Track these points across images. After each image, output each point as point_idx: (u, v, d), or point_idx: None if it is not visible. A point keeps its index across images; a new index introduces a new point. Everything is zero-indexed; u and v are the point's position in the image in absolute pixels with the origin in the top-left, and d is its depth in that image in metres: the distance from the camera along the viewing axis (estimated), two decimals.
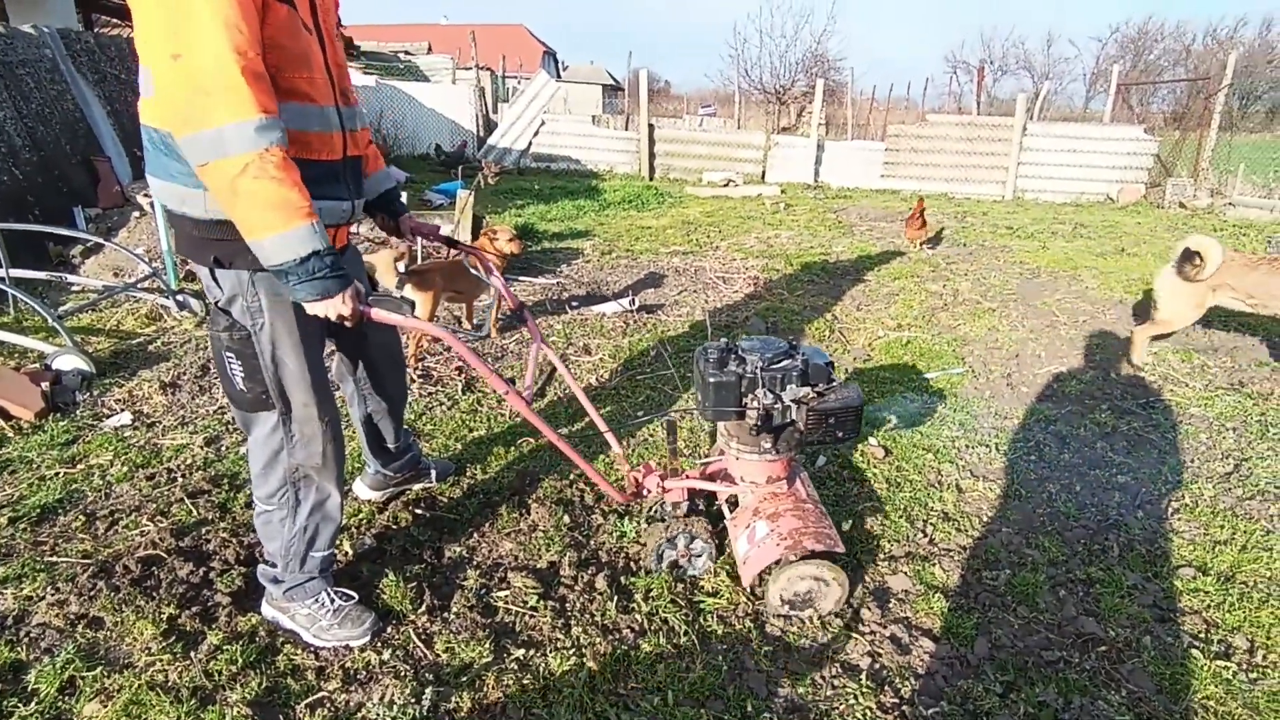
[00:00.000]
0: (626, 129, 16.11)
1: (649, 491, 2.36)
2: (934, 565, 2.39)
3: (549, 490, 2.76)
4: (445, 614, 2.11)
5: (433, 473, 2.74)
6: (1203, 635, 2.12)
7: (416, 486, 2.72)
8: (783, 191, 11.65)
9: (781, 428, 2.05)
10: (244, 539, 2.40)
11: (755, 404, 1.98)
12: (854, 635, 2.06)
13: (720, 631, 2.06)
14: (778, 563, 2.03)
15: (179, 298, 4.60)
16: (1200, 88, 11.90)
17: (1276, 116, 35.67)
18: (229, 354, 1.71)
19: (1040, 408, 3.61)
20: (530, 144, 13.34)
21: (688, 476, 2.37)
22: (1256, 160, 11.87)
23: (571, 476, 2.85)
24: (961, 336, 4.66)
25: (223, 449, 3.06)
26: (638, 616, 2.11)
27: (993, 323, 4.92)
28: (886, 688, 1.89)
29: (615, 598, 2.17)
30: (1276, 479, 2.96)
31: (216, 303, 1.70)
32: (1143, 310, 5.16)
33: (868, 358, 4.28)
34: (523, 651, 1.98)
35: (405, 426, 2.62)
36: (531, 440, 3.13)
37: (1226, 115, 11.15)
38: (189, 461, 2.94)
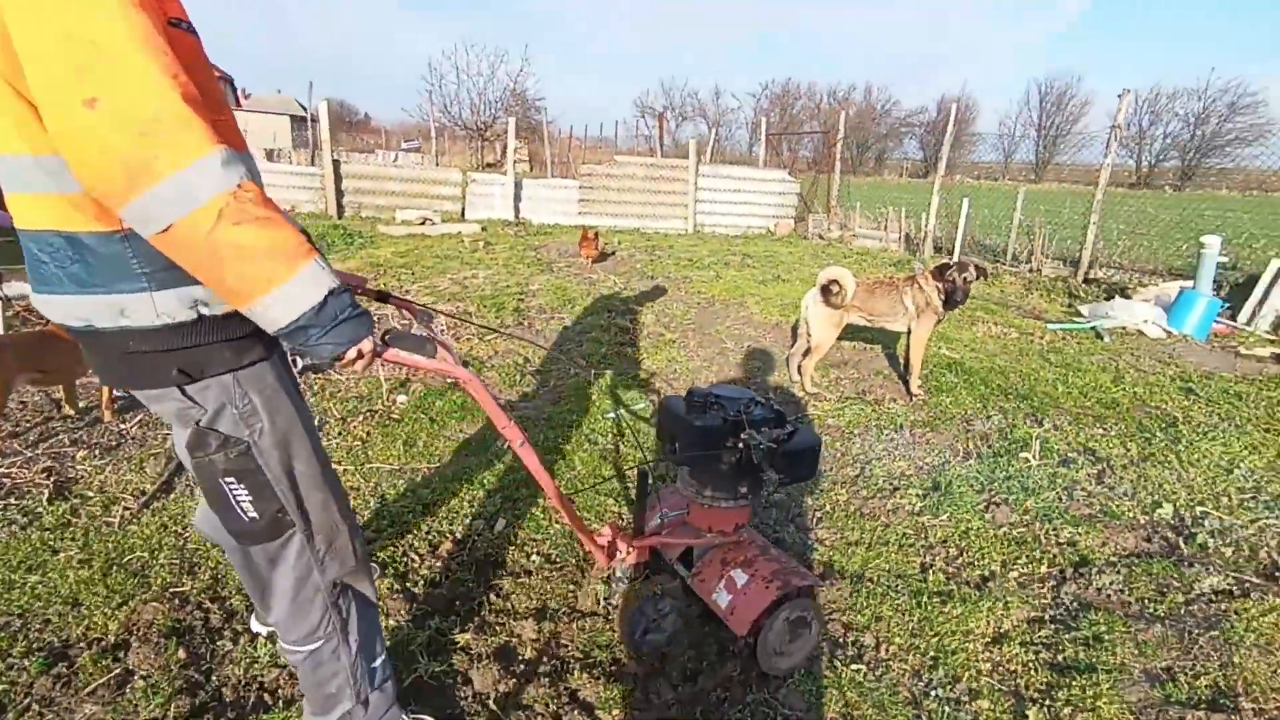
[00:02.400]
0: (313, 164, 14.82)
1: (621, 554, 2.17)
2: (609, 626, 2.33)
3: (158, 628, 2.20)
4: None
5: None
6: (841, 640, 2.32)
7: None
8: (483, 229, 11.53)
9: (756, 472, 2.03)
10: None
11: (738, 448, 1.98)
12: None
13: None
14: (776, 604, 2.02)
15: None
16: (826, 139, 14.36)
17: (883, 162, 44.78)
18: (228, 480, 1.37)
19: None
20: None
21: (651, 534, 2.24)
22: (870, 199, 14.62)
23: (191, 602, 2.31)
24: (646, 370, 4.86)
25: None
26: None
27: (673, 354, 5.23)
28: None
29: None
30: (890, 476, 3.46)
31: (198, 423, 1.35)
32: (797, 333, 5.88)
33: (557, 399, 4.25)
34: None
35: None
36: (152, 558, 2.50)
37: (846, 162, 13.58)
38: None
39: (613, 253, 9.98)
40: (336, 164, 12.29)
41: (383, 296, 2.02)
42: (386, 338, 1.40)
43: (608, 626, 2.30)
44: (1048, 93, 57.80)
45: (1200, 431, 4.08)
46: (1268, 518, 3.18)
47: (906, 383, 4.59)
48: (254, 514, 1.40)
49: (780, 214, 13.82)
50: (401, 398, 4.05)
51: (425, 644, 2.16)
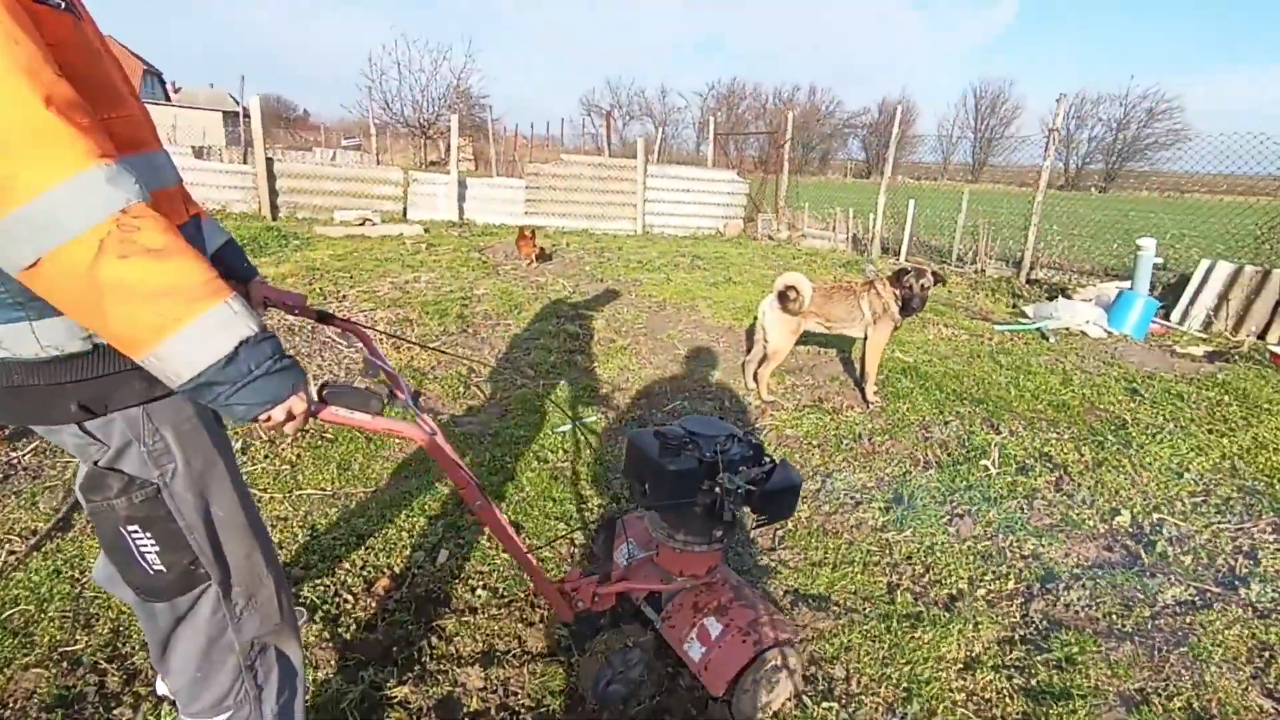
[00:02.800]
0: (245, 162, 14.15)
1: (584, 604, 2.00)
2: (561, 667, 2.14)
3: None
4: None
5: None
6: (810, 674, 2.19)
7: None
8: (426, 231, 11.14)
9: (733, 514, 1.86)
10: None
11: (715, 490, 1.81)
12: None
13: None
14: (751, 663, 1.84)
15: None
16: (773, 139, 14.41)
17: (828, 162, 45.54)
18: (131, 528, 1.19)
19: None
20: None
21: (618, 580, 2.07)
22: (816, 199, 14.72)
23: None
24: (597, 379, 4.68)
25: None
26: None
27: (625, 361, 5.06)
28: None
29: None
30: (851, 488, 3.37)
31: (96, 463, 1.17)
32: (751, 339, 5.77)
33: (504, 413, 4.03)
34: None
35: None
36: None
37: (793, 162, 13.64)
38: None
39: (554, 252, 9.78)
40: (270, 162, 11.72)
41: (324, 317, 1.82)
42: (324, 394, 1.23)
43: (561, 670, 2.11)
44: (982, 96, 59.88)
45: (1149, 434, 4.11)
46: (1220, 522, 3.19)
47: (863, 390, 4.52)
48: (160, 566, 1.22)
49: (729, 214, 13.79)
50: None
51: (358, 701, 1.94)
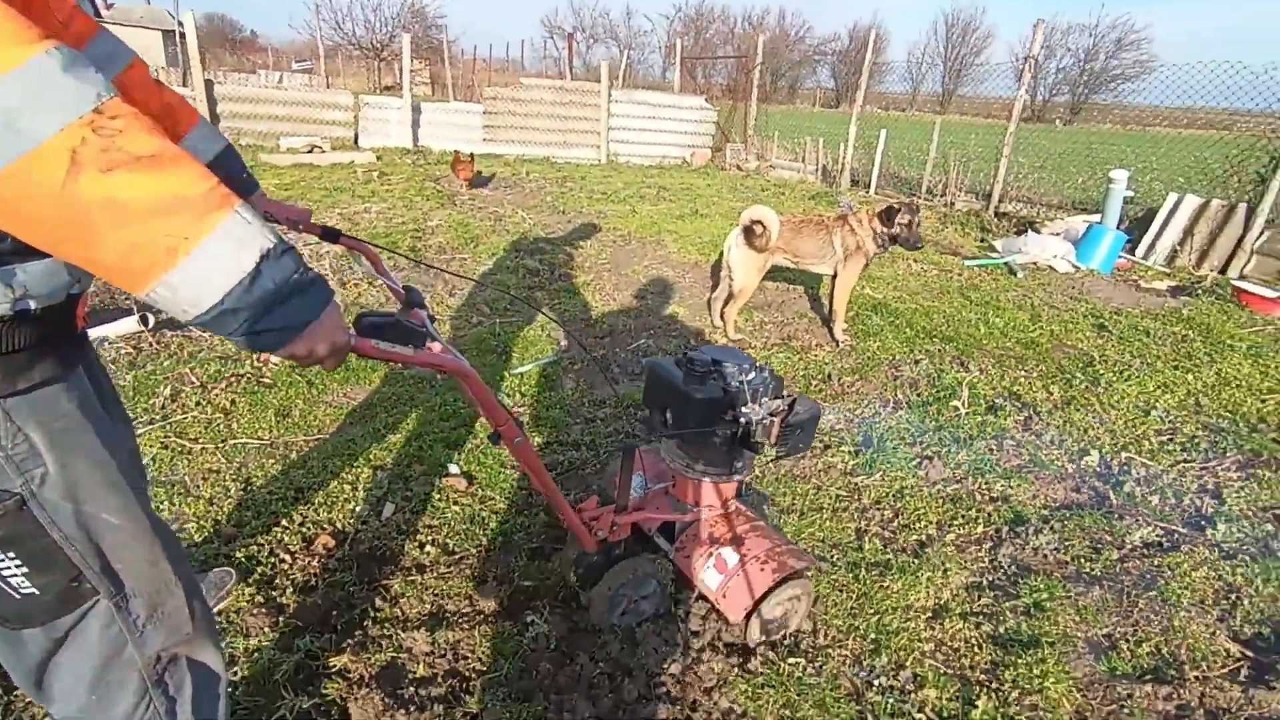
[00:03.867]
0: (185, 85, 13.20)
1: (603, 533, 1.95)
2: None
3: None
4: None
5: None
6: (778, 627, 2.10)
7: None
8: (378, 158, 10.55)
9: (753, 444, 1.81)
10: None
11: (741, 419, 1.78)
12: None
13: None
14: (770, 590, 1.87)
15: None
16: (741, 65, 13.86)
17: (796, 91, 44.51)
18: None
19: (632, 390, 3.53)
20: None
21: (634, 509, 2.03)
22: (785, 128, 14.32)
23: None
24: (558, 316, 4.47)
25: None
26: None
27: (587, 298, 4.84)
28: None
29: None
30: (820, 432, 3.26)
31: None
32: (717, 275, 5.58)
33: (459, 349, 3.80)
34: None
35: None
36: None
37: (762, 89, 13.16)
38: None
39: (491, 177, 9.68)
40: (209, 84, 10.88)
41: (331, 235, 1.68)
42: (363, 324, 1.12)
43: (514, 630, 1.99)
44: (954, 24, 58.63)
45: (1116, 371, 4.08)
46: (1186, 461, 3.17)
47: (831, 328, 4.39)
48: (30, 589, 1.01)
49: (697, 143, 13.35)
50: (275, 356, 3.51)
51: (291, 672, 1.79)
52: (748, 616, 1.91)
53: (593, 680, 1.86)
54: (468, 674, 1.87)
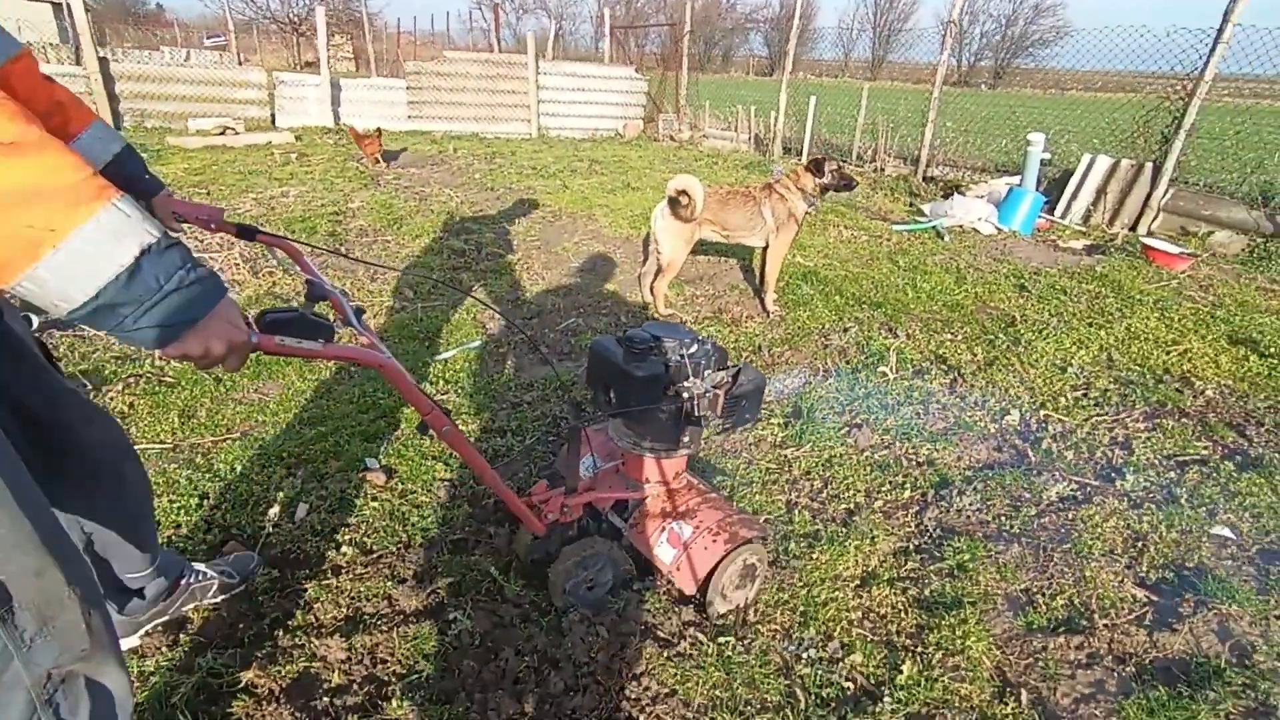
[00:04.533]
0: (78, 63, 12.25)
1: (553, 515, 1.96)
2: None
3: None
4: None
5: (216, 582, 1.90)
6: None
7: (202, 604, 1.91)
8: (298, 139, 10.07)
9: (697, 419, 1.82)
10: None
11: (684, 394, 1.80)
12: None
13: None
14: (722, 560, 1.91)
15: None
16: (673, 33, 13.68)
17: (730, 60, 44.39)
18: None
19: (559, 372, 3.46)
20: None
21: (584, 490, 2.05)
22: (718, 97, 14.24)
23: None
24: (486, 297, 4.34)
25: None
26: None
27: (515, 277, 4.72)
28: None
29: None
30: None
31: None
32: (648, 249, 5.51)
33: (380, 337, 3.65)
34: None
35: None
36: None
37: (694, 58, 13.04)
38: None
39: (401, 151, 9.65)
40: (104, 62, 10.15)
41: (247, 232, 1.65)
42: (266, 321, 1.10)
43: (434, 629, 1.92)
44: None
45: (1035, 330, 4.20)
46: (1098, 415, 3.29)
47: (763, 299, 4.39)
48: None
49: (629, 114, 13.18)
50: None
51: (192, 694, 1.68)
52: (702, 588, 1.95)
53: (518, 675, 1.81)
54: (386, 679, 1.79)
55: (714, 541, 1.93)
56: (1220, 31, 6.33)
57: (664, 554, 1.98)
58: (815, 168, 4.14)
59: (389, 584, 2.08)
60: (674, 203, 3.99)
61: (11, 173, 0.72)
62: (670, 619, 1.99)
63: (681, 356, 1.81)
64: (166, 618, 1.86)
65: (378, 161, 8.40)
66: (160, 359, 3.25)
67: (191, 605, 1.90)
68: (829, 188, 4.18)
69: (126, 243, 0.80)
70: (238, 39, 25.34)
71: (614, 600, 2.03)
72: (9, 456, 1.06)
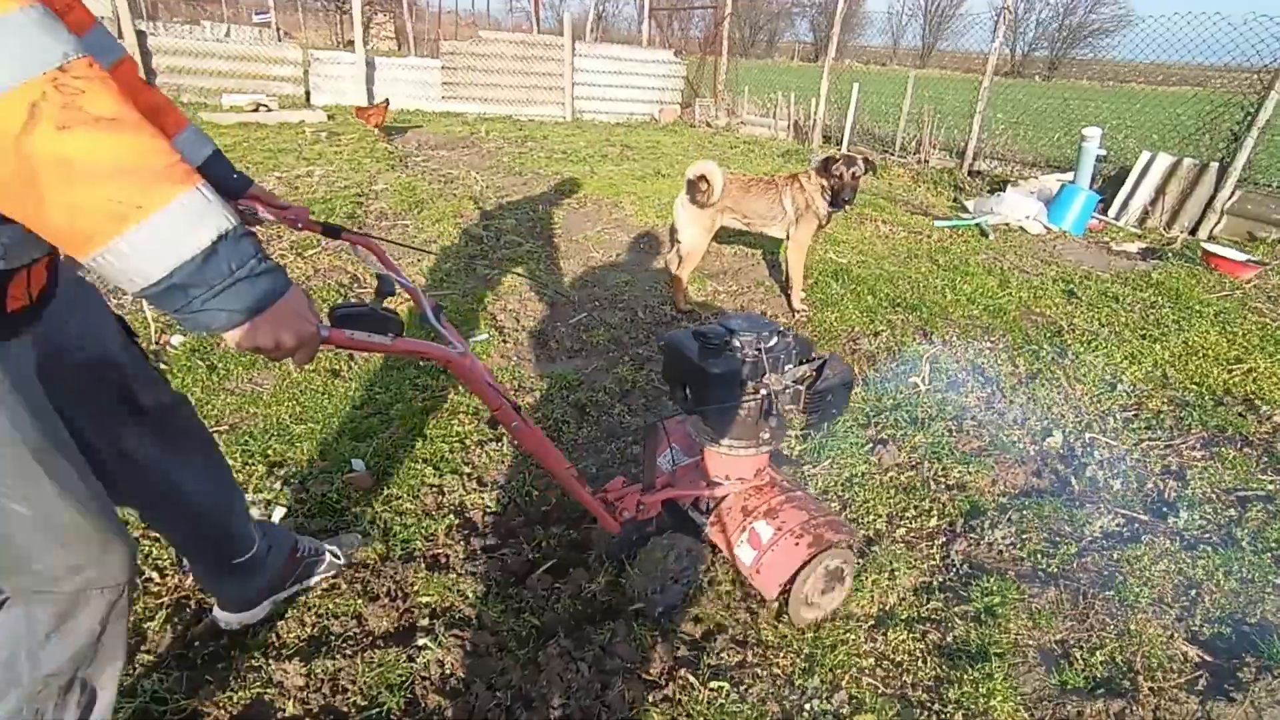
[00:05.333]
0: (119, 36, 12.40)
1: (629, 513, 1.93)
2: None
3: None
4: None
5: (326, 557, 1.93)
6: (697, 641, 1.90)
7: (313, 581, 1.93)
8: (330, 118, 10.03)
9: (779, 414, 1.77)
10: None
11: (762, 390, 1.75)
12: None
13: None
14: (805, 565, 1.81)
15: None
16: (714, 16, 13.32)
17: (775, 45, 43.53)
18: None
19: (567, 370, 3.29)
20: None
21: (663, 488, 2.00)
22: (760, 83, 13.85)
23: None
24: (496, 290, 4.18)
25: None
26: None
27: (532, 268, 4.55)
28: None
29: None
30: None
31: None
32: (672, 238, 5.30)
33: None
34: None
35: (253, 517, 1.76)
36: None
37: (737, 42, 12.69)
38: None
39: (407, 127, 9.81)
40: (142, 35, 10.22)
41: (332, 231, 1.67)
42: (336, 316, 1.10)
43: (402, 656, 1.77)
44: None
45: (1084, 341, 3.90)
46: (1150, 440, 3.01)
47: (788, 297, 4.15)
48: None
49: (666, 99, 12.90)
50: (176, 339, 3.21)
51: None
52: (784, 592, 1.86)
53: (487, 714, 1.65)
54: (345, 710, 1.65)
55: (796, 545, 1.84)
56: None
57: (744, 555, 1.90)
58: (824, 167, 3.86)
59: (360, 601, 1.93)
60: (692, 188, 3.82)
61: (108, 147, 0.75)
62: (658, 657, 1.81)
63: (759, 351, 1.74)
64: (293, 590, 1.89)
65: (380, 129, 8.57)
66: (158, 342, 3.16)
67: (315, 579, 1.94)
68: (831, 190, 3.87)
69: (205, 226, 0.82)
70: (284, 15, 25.48)
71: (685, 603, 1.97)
72: (50, 428, 1.05)
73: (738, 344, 1.75)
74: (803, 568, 1.82)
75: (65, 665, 1.13)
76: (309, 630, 1.84)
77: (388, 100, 8.62)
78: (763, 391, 1.76)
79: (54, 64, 0.73)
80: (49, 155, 0.73)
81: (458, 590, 1.97)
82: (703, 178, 3.78)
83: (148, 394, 1.37)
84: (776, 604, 1.99)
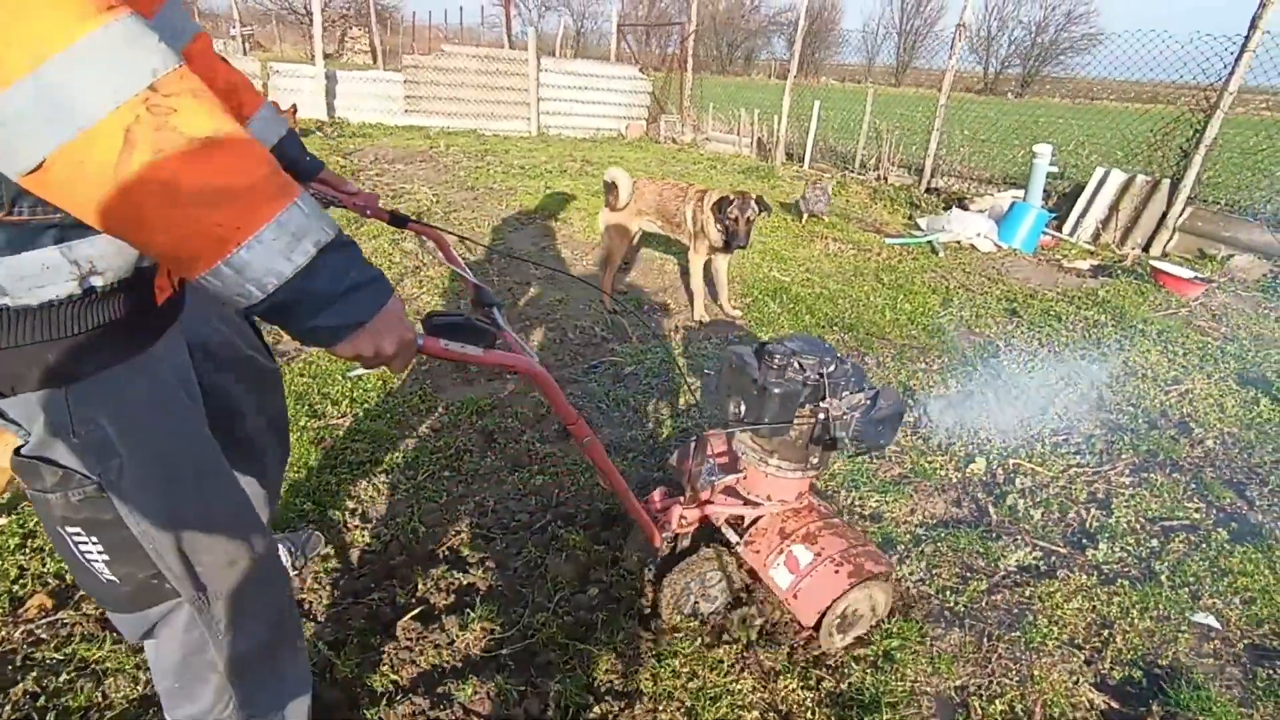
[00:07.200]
0: None
1: (672, 525, 1.92)
2: None
3: None
4: None
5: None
6: (580, 702, 1.77)
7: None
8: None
9: (831, 440, 1.75)
10: None
11: (819, 414, 1.75)
12: None
13: None
14: (844, 594, 1.80)
15: None
16: (681, 33, 13.34)
17: (751, 62, 43.94)
18: (72, 530, 0.96)
19: (480, 395, 3.15)
20: None
21: (705, 501, 1.97)
22: (729, 100, 13.87)
23: None
24: (423, 309, 4.05)
25: None
26: None
27: (464, 287, 4.42)
28: None
29: None
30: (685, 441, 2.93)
31: (18, 451, 0.92)
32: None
33: (290, 355, 3.38)
34: None
35: None
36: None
37: (712, 60, 12.70)
38: None
39: (307, 132, 9.71)
40: None
41: (399, 220, 1.67)
42: (430, 324, 1.11)
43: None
44: None
45: (1020, 361, 3.83)
46: (1077, 466, 2.93)
47: (721, 305, 4.22)
48: (111, 577, 1.01)
49: (632, 115, 12.87)
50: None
51: None
52: (820, 619, 1.85)
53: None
54: None
55: (836, 573, 1.83)
56: (1247, 39, 5.90)
57: (780, 578, 1.89)
58: (718, 207, 3.75)
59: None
60: (606, 191, 4.07)
61: (206, 170, 0.71)
62: (524, 716, 1.68)
63: (820, 375, 1.73)
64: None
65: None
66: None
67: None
68: (722, 232, 3.79)
69: (305, 242, 0.79)
70: (262, 29, 25.32)
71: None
72: (206, 440, 1.09)
73: (799, 365, 1.75)
74: (840, 596, 1.81)
75: (251, 650, 1.18)
76: (140, 689, 1.68)
77: (295, 105, 8.64)
78: (820, 416, 1.75)
79: (145, 83, 0.68)
80: (148, 182, 0.70)
81: (314, 640, 1.82)
82: (613, 183, 3.99)
83: (266, 359, 1.50)
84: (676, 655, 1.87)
